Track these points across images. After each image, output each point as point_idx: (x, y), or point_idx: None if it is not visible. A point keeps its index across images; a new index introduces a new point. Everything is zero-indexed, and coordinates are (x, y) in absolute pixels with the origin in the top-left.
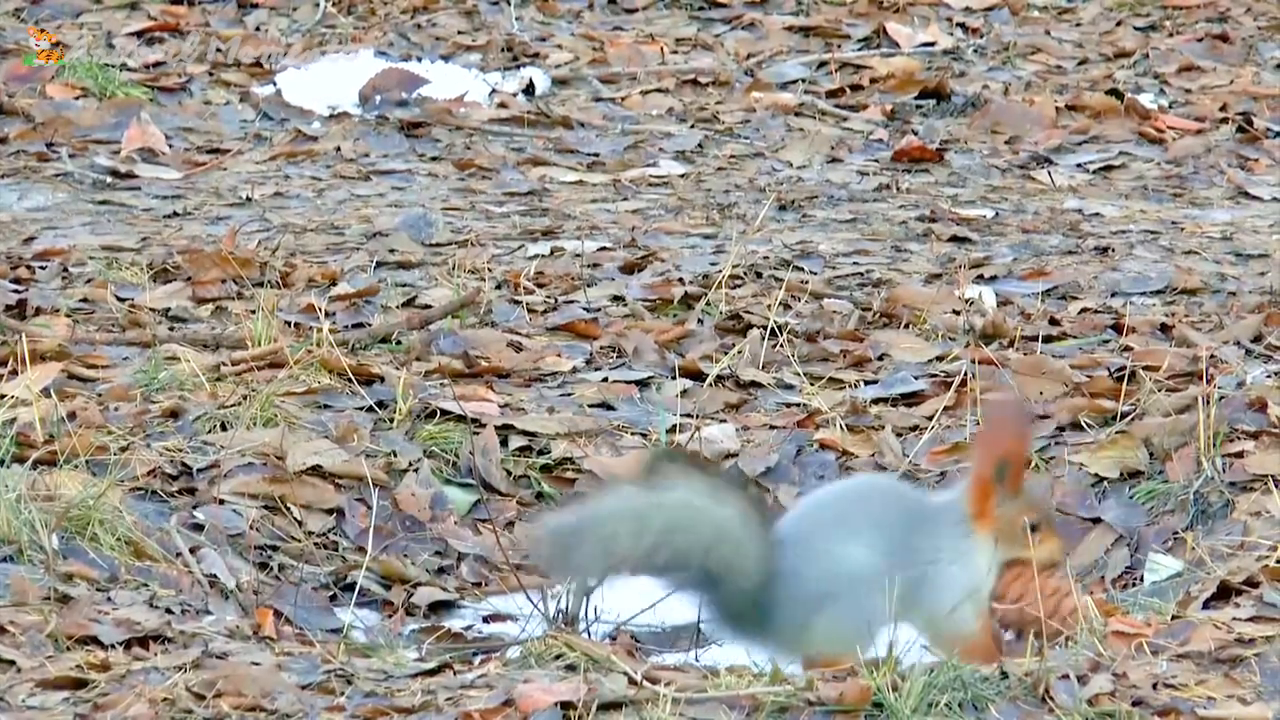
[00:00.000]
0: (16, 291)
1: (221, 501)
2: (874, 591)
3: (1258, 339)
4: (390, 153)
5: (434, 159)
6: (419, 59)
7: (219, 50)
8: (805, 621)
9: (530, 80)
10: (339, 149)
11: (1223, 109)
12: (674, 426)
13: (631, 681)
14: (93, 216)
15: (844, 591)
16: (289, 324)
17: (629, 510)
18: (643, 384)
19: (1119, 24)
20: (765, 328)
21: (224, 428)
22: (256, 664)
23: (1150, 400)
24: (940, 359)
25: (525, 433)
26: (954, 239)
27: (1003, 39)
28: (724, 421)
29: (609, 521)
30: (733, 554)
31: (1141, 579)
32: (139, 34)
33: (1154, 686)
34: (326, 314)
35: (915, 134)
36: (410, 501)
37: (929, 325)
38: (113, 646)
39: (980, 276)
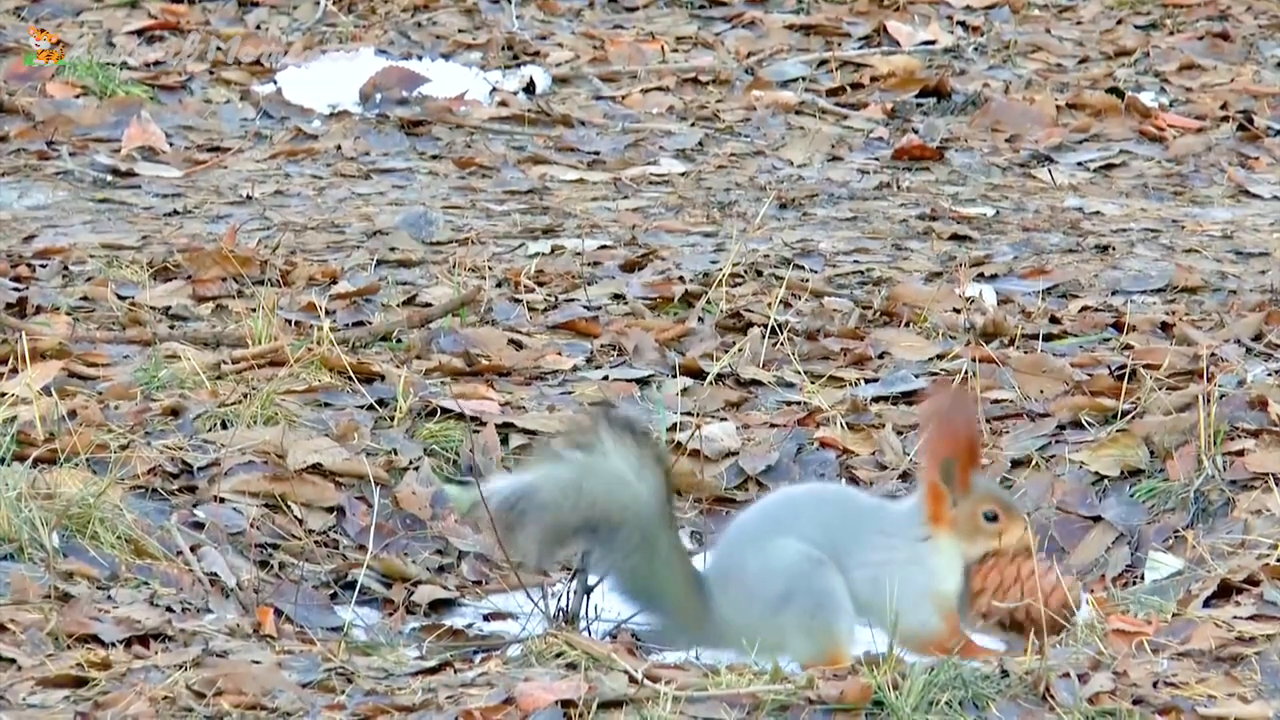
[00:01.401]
0: (17, 290)
1: (222, 500)
2: (818, 579)
3: (1258, 337)
4: (391, 151)
5: (434, 157)
6: (419, 57)
7: (219, 49)
8: (761, 623)
9: (531, 79)
10: (339, 147)
11: (1223, 107)
12: (674, 425)
13: (632, 680)
14: (93, 215)
15: (789, 586)
16: (289, 322)
17: (564, 475)
18: (643, 382)
19: (1119, 22)
20: (766, 326)
21: (224, 426)
22: (257, 662)
23: (1151, 399)
24: (941, 357)
25: (526, 431)
26: (954, 237)
27: (1003, 37)
28: (724, 420)
29: (547, 488)
30: (645, 531)
31: (1142, 577)
32: (139, 32)
33: (1154, 685)
34: (327, 312)
35: (916, 132)
36: (410, 500)
37: (929, 323)
38: (113, 645)
39: (981, 275)
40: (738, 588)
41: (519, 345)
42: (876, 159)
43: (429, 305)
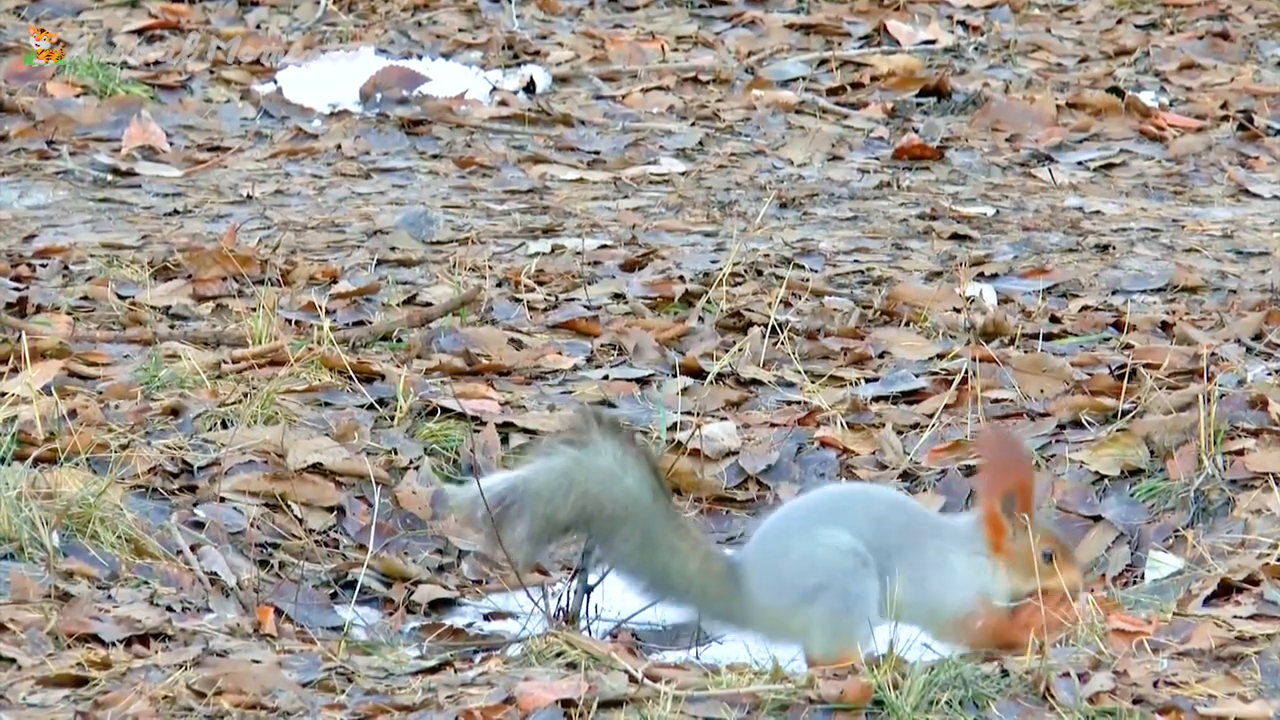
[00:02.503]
0: (17, 289)
1: (222, 499)
2: (856, 580)
3: (1258, 337)
4: (391, 150)
5: (435, 157)
6: (420, 57)
7: (219, 48)
8: (790, 611)
9: (531, 78)
10: (340, 147)
11: (1223, 107)
12: (675, 424)
13: (632, 679)
14: (93, 214)
15: (829, 581)
16: (290, 322)
17: (556, 470)
18: (643, 382)
19: (1120, 22)
20: (766, 325)
21: (224, 425)
22: (257, 662)
23: (1151, 398)
24: (941, 357)
25: (526, 430)
26: (955, 237)
27: (1003, 37)
28: (725, 419)
29: (539, 482)
30: (643, 526)
31: (1142, 577)
32: (139, 32)
33: (1155, 684)
34: (327, 312)
35: (916, 132)
36: (411, 499)
37: (930, 323)
38: (113, 644)
39: (981, 274)
40: (775, 572)
41: (519, 345)
42: (877, 158)
43: (429, 305)
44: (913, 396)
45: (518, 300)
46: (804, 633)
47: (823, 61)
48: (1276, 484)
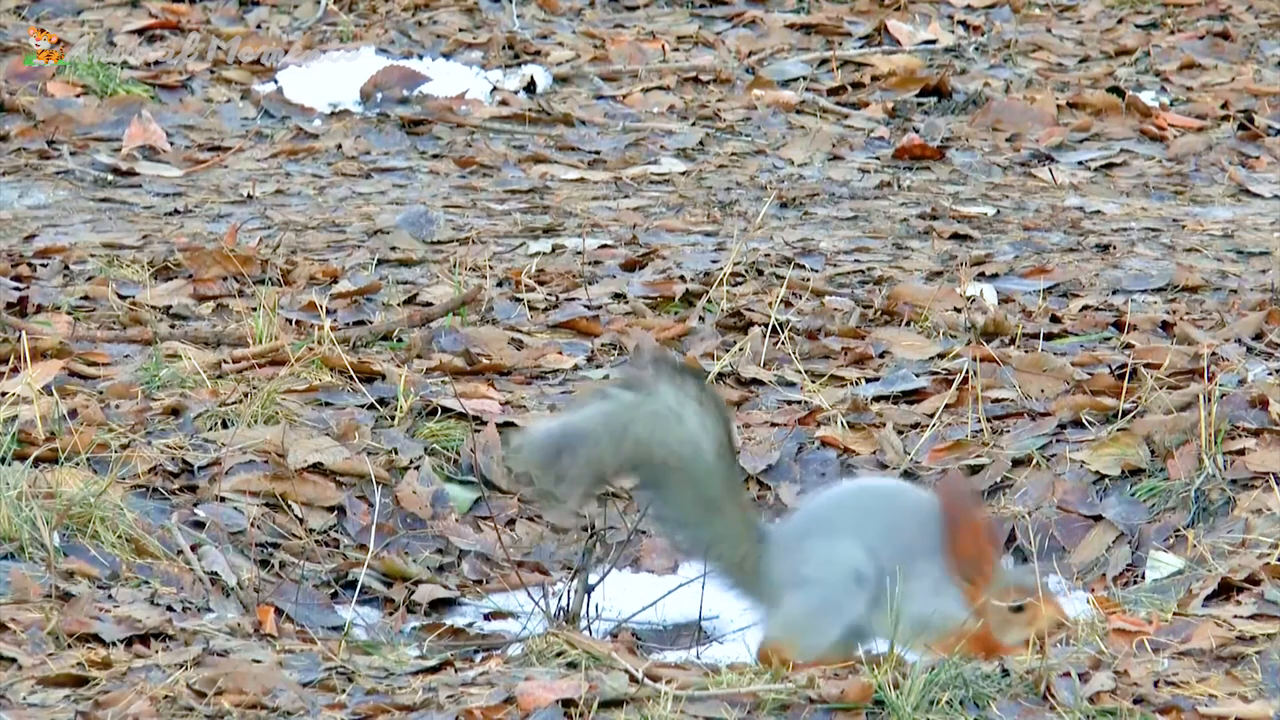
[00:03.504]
0: (17, 289)
1: (222, 499)
2: (849, 595)
3: (1259, 336)
4: (391, 150)
5: (435, 156)
6: (420, 56)
7: (220, 48)
8: (777, 596)
9: (531, 78)
10: (340, 146)
11: (1224, 106)
12: None
13: (633, 679)
14: (94, 214)
15: (821, 580)
16: (290, 321)
17: (609, 415)
18: None
19: (1120, 21)
20: (766, 325)
21: (225, 425)
22: (258, 661)
23: (1151, 398)
24: (941, 356)
25: None
26: (955, 236)
27: (1004, 36)
28: None
29: (591, 427)
30: (697, 476)
31: (1143, 576)
32: (140, 32)
33: (1155, 684)
34: (328, 311)
35: (916, 131)
36: (411, 499)
37: (930, 323)
38: (114, 644)
39: (981, 274)
40: (790, 559)
41: (520, 344)
42: (877, 158)
43: (430, 304)
44: (913, 396)
45: (518, 300)
46: (776, 611)
47: (823, 61)
48: (1277, 483)
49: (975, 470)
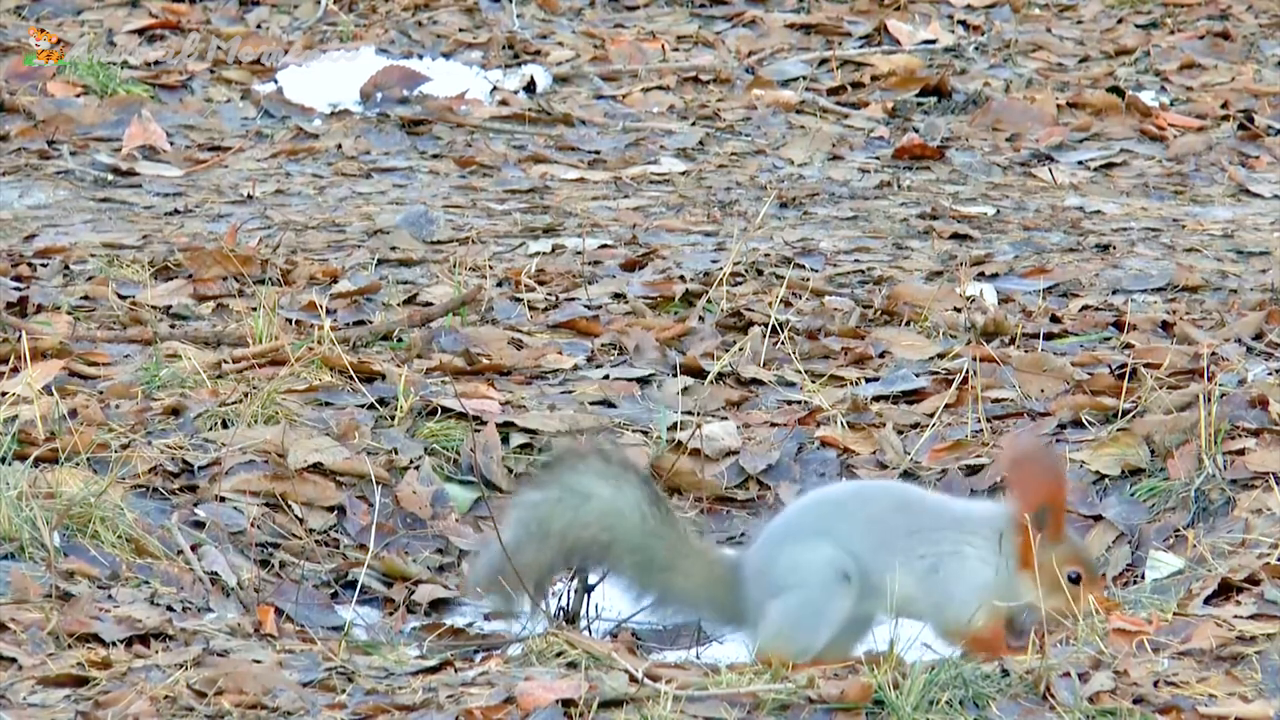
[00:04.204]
0: (18, 289)
1: (222, 499)
2: (831, 594)
3: (1259, 336)
4: (391, 150)
5: (435, 156)
6: (420, 56)
7: (220, 48)
8: (760, 608)
9: (531, 78)
10: (340, 146)
11: (1224, 106)
12: (675, 424)
13: (632, 679)
14: (94, 214)
15: (798, 584)
16: (290, 321)
17: (524, 521)
18: (644, 381)
19: (1120, 21)
20: (766, 325)
21: (225, 425)
22: (258, 661)
23: (1151, 397)
24: (941, 356)
25: (526, 430)
26: (955, 236)
27: (1004, 36)
28: (725, 419)
29: (513, 539)
30: (635, 536)
31: (1143, 576)
32: (140, 31)
33: (1155, 684)
34: (328, 311)
35: (916, 131)
36: (411, 499)
37: (930, 323)
38: (114, 644)
39: (981, 274)
40: (765, 573)
41: (520, 344)
42: (877, 158)
43: (430, 304)
44: (913, 396)
45: (518, 300)
46: (763, 623)
47: (823, 61)
48: (1277, 483)
49: (975, 470)
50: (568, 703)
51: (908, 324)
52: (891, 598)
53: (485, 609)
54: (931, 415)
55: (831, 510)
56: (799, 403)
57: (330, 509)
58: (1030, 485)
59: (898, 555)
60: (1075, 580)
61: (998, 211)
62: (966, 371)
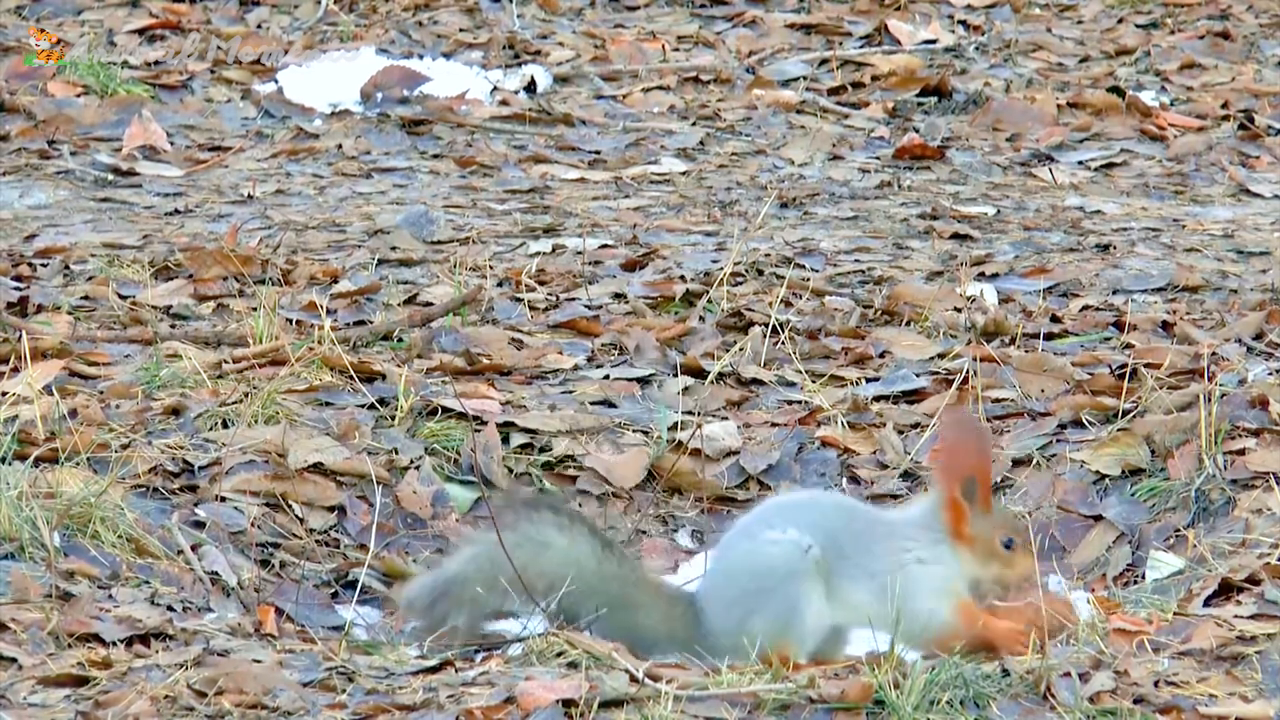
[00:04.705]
0: (18, 289)
1: (223, 499)
2: (799, 578)
3: (1259, 336)
4: (392, 150)
5: (435, 156)
6: (420, 56)
7: (220, 48)
8: (738, 628)
9: (532, 78)
10: (340, 146)
11: (1224, 106)
12: (675, 424)
13: (633, 679)
14: (94, 214)
15: (775, 586)
16: (290, 321)
17: (477, 557)
18: (644, 381)
19: (1120, 21)
20: (767, 325)
21: (225, 425)
22: (258, 661)
23: (1152, 398)
24: (942, 356)
25: (527, 430)
26: (955, 236)
27: (1004, 36)
28: (725, 419)
29: (460, 571)
30: (593, 580)
31: (1143, 576)
32: (140, 31)
33: (1155, 684)
34: (328, 311)
35: (917, 131)
36: (412, 499)
37: (930, 323)
38: (114, 644)
39: (982, 274)
40: (721, 593)
41: (520, 344)
42: (877, 158)
43: (430, 304)
44: (913, 396)
45: (518, 300)
46: (753, 642)
47: (823, 61)
48: (1277, 483)
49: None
50: (568, 703)
51: (908, 324)
52: (856, 611)
53: (411, 630)
54: (932, 415)
55: (781, 510)
56: (799, 403)
57: (330, 509)
58: (955, 458)
59: (850, 562)
60: (1009, 546)
61: (998, 211)
62: (967, 371)
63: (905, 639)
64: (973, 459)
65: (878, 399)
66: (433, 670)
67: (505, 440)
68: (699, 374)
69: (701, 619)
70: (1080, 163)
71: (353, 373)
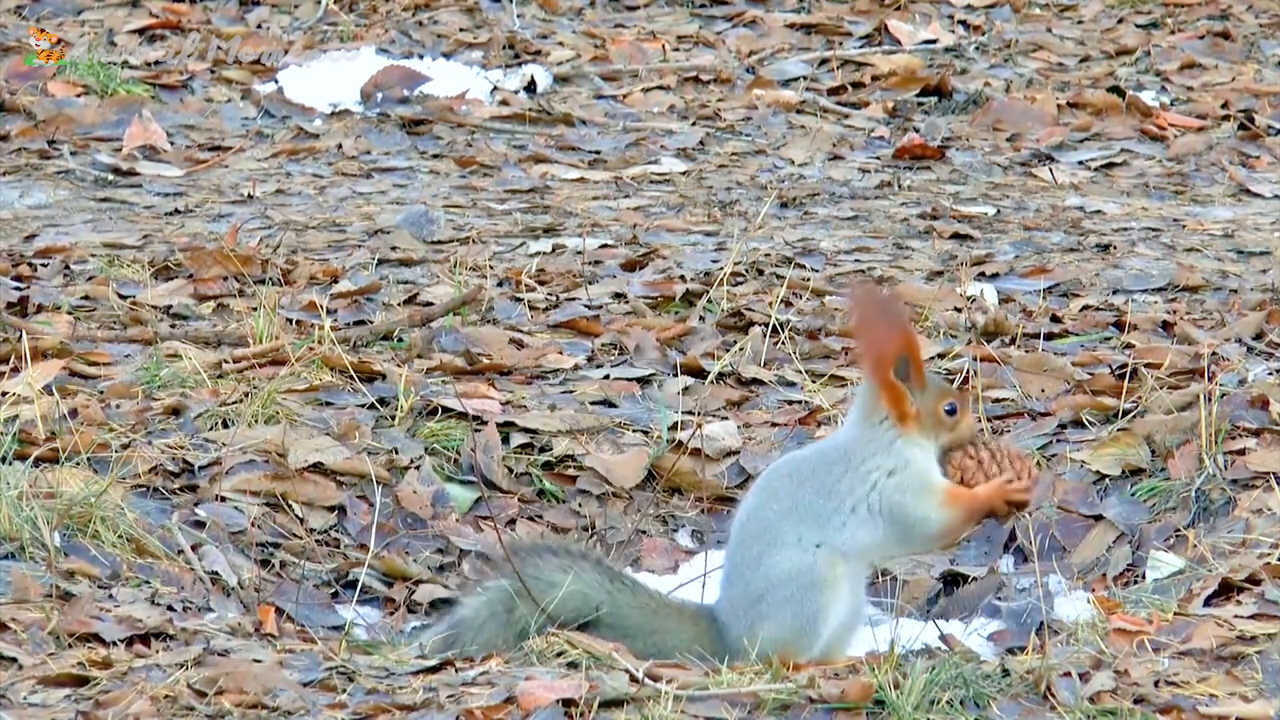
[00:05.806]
0: (18, 289)
1: (223, 499)
2: (815, 589)
3: (1259, 336)
4: (392, 150)
5: (435, 156)
6: (420, 56)
7: (220, 48)
8: (749, 632)
9: (532, 77)
10: (340, 146)
11: (1224, 106)
12: (676, 424)
13: (633, 679)
14: (94, 214)
15: (785, 594)
16: (290, 321)
17: (491, 601)
18: (644, 381)
19: (1120, 21)
20: (767, 325)
21: (225, 425)
22: (258, 661)
23: (1152, 397)
24: (942, 356)
25: (527, 430)
26: (956, 236)
27: (1004, 36)
28: (725, 419)
29: (473, 615)
30: (605, 611)
31: (1143, 576)
32: (140, 31)
33: (1155, 684)
34: (328, 311)
35: (917, 131)
36: (412, 499)
37: (931, 322)
38: (114, 644)
39: (982, 274)
40: (734, 602)
41: (520, 344)
42: (878, 158)
43: (430, 304)
44: None
45: (519, 300)
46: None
47: (824, 61)
48: (1277, 483)
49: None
50: (568, 703)
51: None
52: (866, 553)
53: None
54: None
55: (769, 510)
56: (799, 403)
57: (331, 509)
58: (878, 341)
59: (835, 514)
60: (953, 412)
61: (998, 211)
62: (967, 371)
63: (923, 550)
64: (895, 336)
65: None
66: (433, 670)
67: (505, 440)
68: (699, 374)
69: (725, 633)
70: (1080, 163)
71: (353, 373)
